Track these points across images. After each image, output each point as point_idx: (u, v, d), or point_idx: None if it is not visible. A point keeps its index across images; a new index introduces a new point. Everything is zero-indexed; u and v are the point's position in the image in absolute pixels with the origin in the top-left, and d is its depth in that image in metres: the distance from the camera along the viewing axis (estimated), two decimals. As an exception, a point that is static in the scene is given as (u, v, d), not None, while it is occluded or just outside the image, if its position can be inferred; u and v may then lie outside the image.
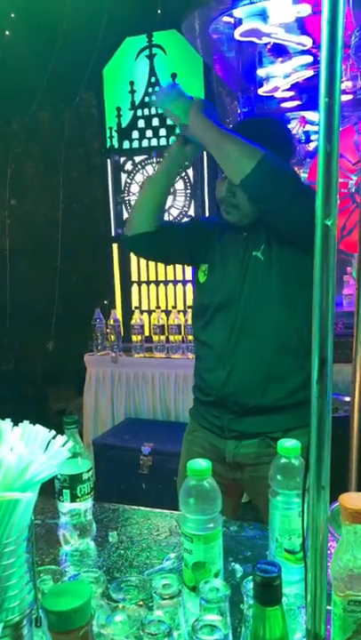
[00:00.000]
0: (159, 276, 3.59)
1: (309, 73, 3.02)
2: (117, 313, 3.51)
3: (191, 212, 3.46)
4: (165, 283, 3.59)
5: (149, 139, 3.50)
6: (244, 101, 3.44)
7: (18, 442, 0.70)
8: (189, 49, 3.18)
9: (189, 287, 3.49)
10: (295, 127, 3.68)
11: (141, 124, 3.52)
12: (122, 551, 1.12)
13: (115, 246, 3.66)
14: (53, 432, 0.74)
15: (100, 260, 3.74)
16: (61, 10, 3.54)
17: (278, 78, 3.14)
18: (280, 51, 2.91)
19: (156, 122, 3.47)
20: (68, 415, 1.14)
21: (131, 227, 1.61)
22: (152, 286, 3.62)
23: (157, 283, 3.60)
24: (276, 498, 0.96)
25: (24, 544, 0.67)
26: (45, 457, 0.70)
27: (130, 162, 3.60)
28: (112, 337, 3.34)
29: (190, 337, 3.16)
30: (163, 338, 3.31)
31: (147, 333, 3.43)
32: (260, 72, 3.16)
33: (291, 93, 3.34)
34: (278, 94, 3.31)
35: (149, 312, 3.61)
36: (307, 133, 3.68)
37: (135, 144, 3.56)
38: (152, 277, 3.61)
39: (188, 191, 3.47)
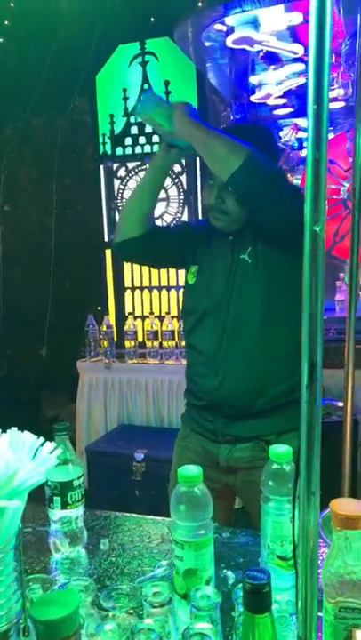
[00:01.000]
0: (153, 282, 3.59)
1: (302, 80, 3.05)
2: (111, 319, 3.50)
3: (185, 219, 3.47)
4: (159, 288, 3.59)
5: (142, 145, 3.51)
6: (236, 108, 3.46)
7: (5, 449, 0.70)
8: (182, 56, 3.20)
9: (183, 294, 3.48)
10: (288, 134, 3.71)
11: (134, 130, 3.53)
12: (113, 559, 1.11)
13: (108, 252, 3.66)
14: (42, 439, 0.73)
15: (94, 266, 3.74)
16: (56, 16, 3.56)
17: (271, 85, 3.16)
18: (272, 58, 2.93)
19: (149, 129, 3.48)
20: (59, 422, 1.13)
21: (119, 233, 1.62)
22: (145, 292, 3.62)
23: (151, 288, 3.60)
24: (268, 504, 0.96)
25: (11, 552, 0.67)
26: (33, 464, 0.69)
27: (123, 168, 3.61)
28: (105, 343, 3.33)
29: (184, 343, 3.15)
30: (156, 344, 3.30)
31: (140, 339, 3.42)
32: (253, 79, 3.19)
33: (283, 100, 3.36)
34: (271, 101, 3.33)
35: (143, 318, 3.61)
36: (300, 140, 3.71)
37: (128, 150, 3.57)
38: (145, 283, 3.61)
39: (182, 197, 3.48)
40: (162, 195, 3.51)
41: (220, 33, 2.58)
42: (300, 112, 3.51)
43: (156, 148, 3.48)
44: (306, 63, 2.86)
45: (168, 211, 3.52)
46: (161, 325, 3.36)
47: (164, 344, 3.27)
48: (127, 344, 3.33)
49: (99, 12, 3.47)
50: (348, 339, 1.81)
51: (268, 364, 1.44)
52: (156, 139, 3.48)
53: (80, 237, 4.09)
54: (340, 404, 2.27)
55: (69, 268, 4.22)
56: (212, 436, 1.51)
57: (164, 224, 3.45)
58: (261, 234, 1.43)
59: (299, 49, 2.62)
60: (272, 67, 3.03)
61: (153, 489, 2.73)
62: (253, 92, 3.28)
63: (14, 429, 0.73)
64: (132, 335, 3.33)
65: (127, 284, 3.65)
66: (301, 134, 3.66)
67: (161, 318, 3.47)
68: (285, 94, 3.28)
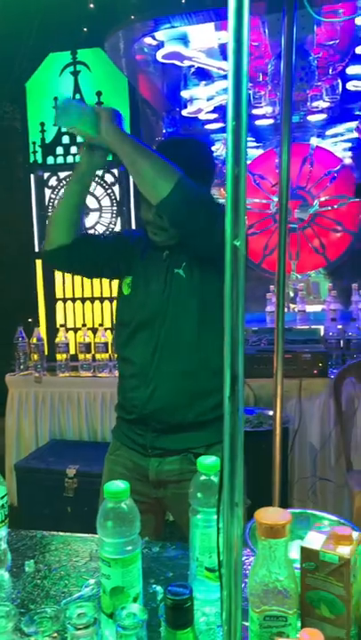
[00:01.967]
0: (85, 293, 3.54)
1: (231, 97, 3.13)
2: (41, 331, 3.41)
3: (117, 229, 3.45)
4: (92, 300, 3.54)
5: (74, 155, 3.47)
6: (169, 121, 3.51)
7: None
8: (114, 68, 3.20)
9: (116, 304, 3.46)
10: (220, 149, 3.79)
11: (66, 140, 3.49)
12: (38, 581, 1.06)
13: (38, 262, 3.58)
14: None
15: (24, 277, 3.64)
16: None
17: (202, 100, 3.23)
18: (204, 74, 3.00)
19: (80, 138, 3.44)
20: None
21: (48, 241, 1.58)
22: (78, 303, 3.55)
23: (83, 300, 3.55)
24: (197, 516, 0.95)
25: None
26: None
27: (54, 177, 3.56)
28: (35, 356, 3.23)
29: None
30: (89, 356, 3.24)
31: (72, 352, 3.35)
32: (185, 94, 3.24)
33: (214, 115, 3.44)
34: (202, 116, 3.40)
35: (75, 330, 3.54)
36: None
37: (60, 160, 3.52)
38: (78, 294, 3.55)
39: (115, 208, 3.47)
40: (94, 205, 3.50)
41: (152, 47, 2.61)
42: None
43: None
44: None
45: (101, 221, 3.49)
46: (94, 337, 3.31)
47: (97, 356, 3.22)
48: (59, 357, 3.25)
49: (29, 19, 3.42)
50: (276, 349, 1.86)
51: (200, 378, 1.45)
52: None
53: (9, 247, 3.98)
54: (271, 412, 2.32)
55: (-2, 278, 4.09)
56: (141, 449, 1.50)
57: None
58: (193, 253, 1.44)
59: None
60: (203, 82, 3.09)
61: (86, 505, 2.66)
62: (185, 107, 3.34)
63: None
64: (64, 348, 3.25)
65: (59, 294, 3.57)
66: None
67: (94, 330, 3.42)
68: (216, 109, 3.35)
